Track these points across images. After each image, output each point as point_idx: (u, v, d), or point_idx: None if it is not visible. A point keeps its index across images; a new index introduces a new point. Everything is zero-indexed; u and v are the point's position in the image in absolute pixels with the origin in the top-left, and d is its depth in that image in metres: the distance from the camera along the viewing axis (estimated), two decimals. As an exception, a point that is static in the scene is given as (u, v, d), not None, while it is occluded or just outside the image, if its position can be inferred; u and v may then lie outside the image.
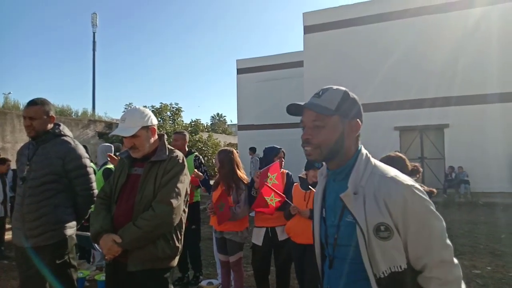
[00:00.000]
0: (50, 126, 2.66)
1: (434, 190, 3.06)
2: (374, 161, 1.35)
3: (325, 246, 1.41)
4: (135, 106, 2.35)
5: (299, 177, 3.64)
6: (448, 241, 1.25)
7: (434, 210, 1.25)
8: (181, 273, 4.71)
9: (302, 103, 1.35)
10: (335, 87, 1.37)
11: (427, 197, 1.25)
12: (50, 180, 2.52)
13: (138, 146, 2.22)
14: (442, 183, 13.51)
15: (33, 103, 2.61)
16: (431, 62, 13.76)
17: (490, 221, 9.04)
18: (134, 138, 2.20)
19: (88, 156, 2.77)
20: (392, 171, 1.30)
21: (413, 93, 13.98)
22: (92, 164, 3.58)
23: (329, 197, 1.40)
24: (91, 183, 2.67)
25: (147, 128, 2.25)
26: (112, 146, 5.12)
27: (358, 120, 1.35)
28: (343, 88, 1.36)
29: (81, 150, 2.70)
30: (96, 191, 2.64)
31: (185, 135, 4.74)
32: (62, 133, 2.70)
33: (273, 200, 3.38)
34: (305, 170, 3.43)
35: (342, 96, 1.34)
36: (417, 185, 1.26)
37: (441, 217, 1.26)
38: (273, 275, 3.86)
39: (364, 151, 1.37)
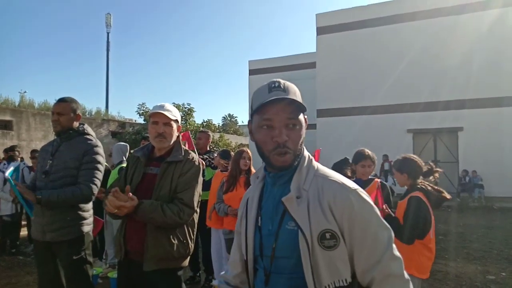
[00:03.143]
0: (75, 124, 2.77)
1: (448, 195, 2.92)
2: (316, 164, 1.21)
3: (259, 259, 1.21)
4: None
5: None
6: (397, 253, 1.11)
7: (381, 217, 1.12)
8: (193, 272, 4.75)
9: (279, 96, 1.11)
10: (282, 80, 1.19)
11: (372, 203, 1.13)
12: (70, 175, 2.60)
13: (166, 135, 2.24)
14: (455, 187, 13.33)
15: (62, 100, 2.74)
16: (445, 64, 13.60)
17: (504, 226, 8.88)
18: (166, 126, 2.23)
19: (104, 157, 2.82)
20: (335, 174, 1.17)
21: (427, 96, 13.84)
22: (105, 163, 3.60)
23: (267, 203, 1.22)
24: (95, 178, 2.65)
25: (177, 123, 2.32)
26: (127, 145, 5.19)
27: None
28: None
29: (101, 150, 2.78)
30: (95, 189, 2.63)
31: (208, 134, 5.03)
32: (85, 131, 2.80)
33: None
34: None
35: (297, 88, 1.18)
36: (361, 189, 1.14)
37: (388, 225, 1.13)
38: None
39: (306, 152, 1.22)
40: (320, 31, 16.66)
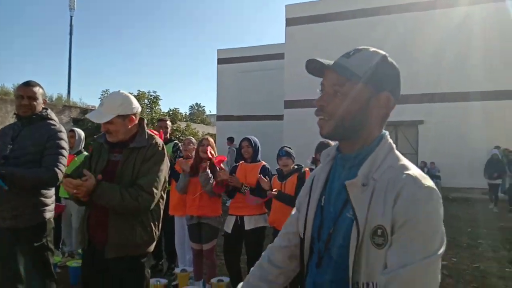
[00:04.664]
0: (40, 109, 2.72)
1: None
2: (399, 155, 1.08)
3: (315, 241, 1.14)
4: (119, 91, 2.27)
5: (276, 169, 3.79)
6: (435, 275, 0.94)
7: (440, 230, 0.96)
8: (156, 260, 4.74)
9: (324, 61, 1.10)
10: (373, 49, 1.10)
11: (440, 210, 0.97)
12: (31, 160, 2.52)
13: (112, 131, 2.19)
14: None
15: (33, 84, 2.69)
16: (410, 59, 13.91)
17: (458, 215, 9.39)
18: (108, 124, 2.17)
19: (67, 143, 2.76)
20: (415, 168, 1.03)
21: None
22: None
23: (333, 184, 1.13)
24: (59, 163, 2.60)
25: (124, 117, 2.20)
26: (83, 133, 5.08)
27: (389, 94, 1.07)
28: (382, 52, 1.09)
29: (65, 135, 2.73)
30: (60, 174, 2.56)
31: (167, 122, 4.95)
32: (49, 116, 2.74)
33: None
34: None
35: (378, 61, 1.07)
36: (437, 191, 0.99)
37: (443, 240, 0.96)
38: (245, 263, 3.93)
39: (389, 139, 1.10)
40: (289, 22, 16.69)
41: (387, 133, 1.12)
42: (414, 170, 1.01)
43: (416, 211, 0.93)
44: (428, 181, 0.98)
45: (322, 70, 1.12)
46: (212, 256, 3.91)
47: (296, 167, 3.70)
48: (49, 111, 2.77)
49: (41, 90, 2.71)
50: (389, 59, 1.10)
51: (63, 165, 2.62)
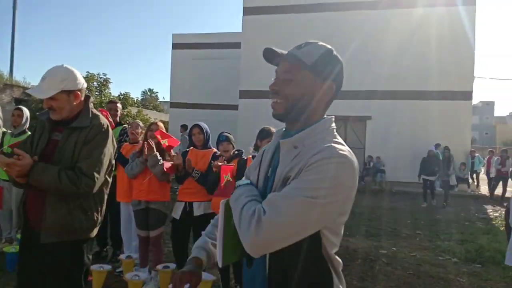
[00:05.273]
0: None
1: None
2: (336, 135, 1.22)
3: None
4: (62, 65, 2.12)
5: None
6: (286, 214, 1.04)
7: (328, 193, 1.06)
8: (100, 247, 4.61)
9: (279, 50, 1.23)
10: (320, 43, 1.25)
11: (351, 179, 1.12)
12: None
13: (55, 108, 2.06)
14: (360, 171, 14.51)
15: None
16: (363, 54, 14.33)
17: (400, 208, 9.97)
18: (51, 100, 2.04)
19: (1, 118, 2.56)
20: (343, 145, 1.17)
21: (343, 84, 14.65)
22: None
23: (277, 157, 1.26)
24: None
25: (69, 92, 2.07)
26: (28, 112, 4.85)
27: (333, 83, 1.23)
28: (329, 46, 1.25)
29: None
30: None
31: (118, 105, 4.85)
32: None
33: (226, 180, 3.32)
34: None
35: (323, 53, 1.21)
36: (355, 164, 1.14)
37: (319, 203, 1.05)
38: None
39: (331, 122, 1.24)
40: (247, 11, 16.54)
41: (332, 117, 1.26)
42: (340, 145, 1.15)
43: (317, 165, 1.07)
44: (345, 152, 1.12)
45: (277, 59, 1.25)
46: (159, 243, 3.86)
47: (236, 152, 3.75)
48: None
49: None
50: (334, 52, 1.25)
51: None
